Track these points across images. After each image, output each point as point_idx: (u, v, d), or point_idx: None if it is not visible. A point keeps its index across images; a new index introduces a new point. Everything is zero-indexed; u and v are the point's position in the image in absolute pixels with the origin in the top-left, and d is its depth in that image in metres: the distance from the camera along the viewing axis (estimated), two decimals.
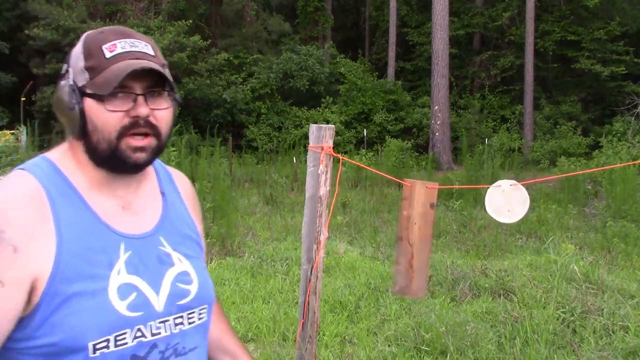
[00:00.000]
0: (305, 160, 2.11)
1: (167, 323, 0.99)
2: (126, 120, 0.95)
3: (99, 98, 0.94)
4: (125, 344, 0.94)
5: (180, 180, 1.19)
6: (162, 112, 0.99)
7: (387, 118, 18.37)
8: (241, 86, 18.50)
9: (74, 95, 0.95)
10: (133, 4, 19.67)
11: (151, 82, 0.97)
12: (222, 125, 17.02)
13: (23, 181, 0.94)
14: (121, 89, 0.94)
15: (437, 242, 6.24)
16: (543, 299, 4.01)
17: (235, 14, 21.18)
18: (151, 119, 0.97)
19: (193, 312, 1.04)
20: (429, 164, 12.37)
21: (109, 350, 0.92)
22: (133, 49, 0.97)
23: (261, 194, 9.50)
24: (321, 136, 2.00)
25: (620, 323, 3.57)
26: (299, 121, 18.13)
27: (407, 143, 15.88)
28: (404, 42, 22.29)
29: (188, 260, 1.07)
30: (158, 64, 0.97)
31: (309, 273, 2.09)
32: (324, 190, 2.01)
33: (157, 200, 1.09)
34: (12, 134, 9.59)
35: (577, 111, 18.83)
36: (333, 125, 2.09)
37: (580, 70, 18.94)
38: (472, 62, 21.33)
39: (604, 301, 3.95)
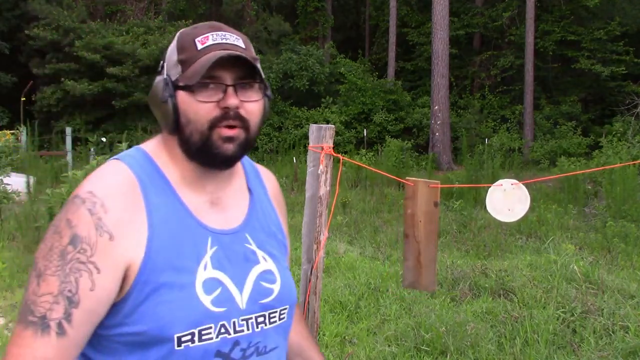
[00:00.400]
0: (305, 160, 2.11)
1: (249, 321, 0.99)
2: (216, 112, 0.96)
3: (190, 89, 0.95)
4: (210, 339, 0.94)
5: (268, 178, 1.19)
6: (252, 105, 0.99)
7: (387, 118, 18.36)
8: None
9: (167, 88, 0.97)
10: (133, 4, 19.67)
11: (241, 73, 0.97)
12: None
13: (119, 171, 0.96)
14: (211, 79, 0.95)
15: (438, 241, 6.24)
16: (543, 299, 4.01)
17: (235, 14, 21.19)
18: (241, 111, 0.97)
19: (275, 312, 1.04)
20: (429, 164, 12.37)
21: (193, 345, 0.93)
22: (224, 40, 0.98)
23: None
24: (321, 136, 2.00)
25: (620, 323, 3.57)
26: (299, 121, 18.13)
27: (407, 143, 15.87)
28: (404, 42, 22.29)
29: (272, 259, 1.07)
30: (248, 57, 0.97)
31: (309, 273, 2.09)
32: (324, 190, 2.01)
33: (244, 197, 1.09)
34: (12, 134, 9.59)
35: (577, 111, 18.83)
36: (333, 125, 2.09)
37: (580, 70, 18.93)
38: (472, 62, 21.33)
39: (604, 301, 3.95)
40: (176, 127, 0.98)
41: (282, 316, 1.05)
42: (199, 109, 0.95)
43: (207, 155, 0.97)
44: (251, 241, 1.05)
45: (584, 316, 3.71)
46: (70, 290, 0.87)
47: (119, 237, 0.90)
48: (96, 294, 0.88)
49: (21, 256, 5.44)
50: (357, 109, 18.65)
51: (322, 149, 1.98)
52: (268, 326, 1.02)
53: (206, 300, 0.94)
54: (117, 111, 17.30)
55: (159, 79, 1.00)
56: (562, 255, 5.09)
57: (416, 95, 20.82)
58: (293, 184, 10.54)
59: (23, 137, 11.36)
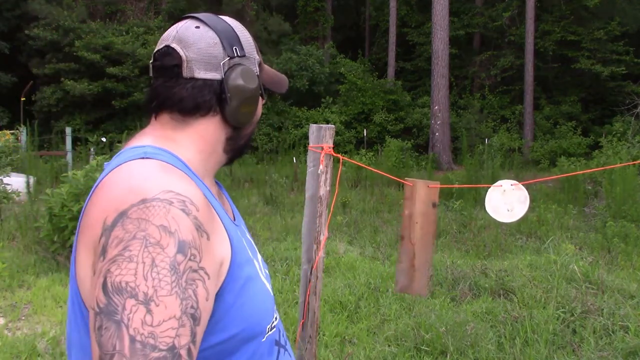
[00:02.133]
0: (305, 160, 2.11)
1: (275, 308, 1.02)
2: None
3: (265, 92, 1.03)
4: (274, 326, 0.96)
5: None
6: None
7: (387, 118, 18.36)
8: None
9: (260, 84, 1.01)
10: (133, 4, 19.68)
11: None
12: None
13: (169, 168, 0.85)
14: None
15: (437, 242, 6.24)
16: (543, 299, 4.01)
17: (235, 14, 21.17)
18: None
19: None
20: (429, 164, 12.37)
21: (268, 334, 0.93)
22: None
23: (261, 194, 9.49)
24: (321, 136, 2.00)
25: (620, 323, 3.57)
26: (299, 121, 18.13)
27: (407, 143, 15.87)
28: (404, 42, 22.28)
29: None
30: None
31: (309, 273, 2.09)
32: (324, 190, 2.01)
33: (220, 190, 1.11)
34: (12, 134, 9.58)
35: (577, 111, 18.83)
36: (333, 125, 2.09)
37: (580, 70, 18.93)
38: (472, 62, 21.32)
39: (604, 301, 3.95)
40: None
41: None
42: (260, 109, 1.03)
43: (245, 150, 1.04)
44: (246, 231, 1.06)
45: (584, 316, 3.71)
46: (192, 307, 0.74)
47: (212, 235, 0.82)
48: (210, 303, 0.79)
49: (21, 256, 5.44)
50: (357, 109, 18.65)
51: (322, 149, 1.98)
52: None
53: (269, 286, 0.96)
54: (117, 111, 17.30)
55: (248, 68, 0.98)
56: (562, 255, 5.10)
57: (416, 95, 20.82)
58: (293, 184, 10.54)
59: (23, 137, 11.36)
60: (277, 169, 11.84)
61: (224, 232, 0.86)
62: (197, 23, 0.96)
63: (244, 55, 0.98)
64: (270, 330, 0.94)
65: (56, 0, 18.44)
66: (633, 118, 14.54)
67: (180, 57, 0.93)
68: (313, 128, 2.03)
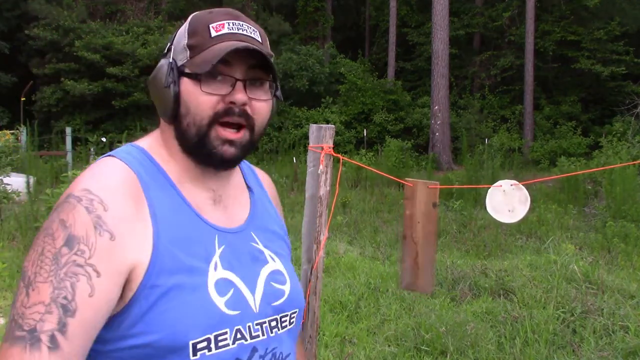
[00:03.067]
0: (305, 160, 2.11)
1: (264, 325, 0.92)
2: (220, 106, 0.88)
3: (196, 78, 0.88)
4: (227, 345, 0.86)
5: (264, 178, 1.14)
6: (260, 104, 0.92)
7: (387, 118, 18.37)
8: None
9: (171, 73, 0.90)
10: (133, 4, 19.68)
11: (253, 69, 0.91)
12: None
13: (115, 167, 0.87)
14: (221, 71, 0.88)
15: (437, 242, 6.24)
16: (543, 299, 4.01)
17: None
18: (247, 108, 0.90)
19: (286, 315, 0.97)
20: (429, 164, 12.37)
21: (210, 353, 0.84)
22: (240, 31, 0.91)
23: None
24: (321, 136, 2.00)
25: (620, 323, 3.57)
26: (299, 121, 18.13)
27: (407, 143, 15.88)
28: (404, 42, 22.29)
29: (280, 259, 1.01)
30: (264, 52, 0.91)
31: (309, 273, 2.09)
32: (324, 190, 2.01)
33: (244, 194, 1.03)
34: (12, 134, 9.58)
35: (577, 111, 18.83)
36: (333, 125, 2.09)
37: (580, 70, 18.94)
38: (472, 62, 21.33)
39: (604, 301, 3.95)
40: (175, 116, 0.90)
41: (292, 320, 0.98)
42: (202, 100, 0.88)
43: (202, 153, 0.91)
44: (257, 240, 0.99)
45: (584, 316, 3.71)
46: (65, 297, 0.75)
47: (121, 237, 0.80)
48: (95, 300, 0.77)
49: (21, 256, 5.44)
50: (357, 109, 18.66)
51: (322, 149, 1.98)
52: (281, 331, 0.95)
53: (220, 302, 0.86)
54: (117, 111, 17.31)
55: (163, 61, 0.92)
56: (562, 255, 5.10)
57: (416, 95, 20.83)
58: (293, 184, 10.54)
59: (23, 137, 11.35)
60: (277, 169, 11.84)
61: (147, 237, 0.83)
62: None
63: (169, 49, 0.94)
64: (214, 349, 0.85)
65: (56, 0, 18.44)
66: (633, 118, 14.53)
67: None
68: (313, 128, 2.03)
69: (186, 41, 0.91)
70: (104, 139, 10.46)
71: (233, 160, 0.92)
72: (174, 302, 0.83)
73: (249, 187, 1.06)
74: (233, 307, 0.88)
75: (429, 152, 16.15)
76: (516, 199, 1.93)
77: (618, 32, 18.85)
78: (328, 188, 2.04)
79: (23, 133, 11.45)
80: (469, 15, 21.55)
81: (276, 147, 15.06)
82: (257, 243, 0.98)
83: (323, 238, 2.07)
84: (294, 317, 0.99)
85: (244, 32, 0.92)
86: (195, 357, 0.83)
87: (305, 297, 2.10)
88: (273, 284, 0.96)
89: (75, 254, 0.77)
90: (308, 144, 2.07)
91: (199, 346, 0.83)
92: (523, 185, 1.96)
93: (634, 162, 4.17)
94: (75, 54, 16.90)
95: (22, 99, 15.63)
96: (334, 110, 18.63)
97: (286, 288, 0.98)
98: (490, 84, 20.11)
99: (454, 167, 15.29)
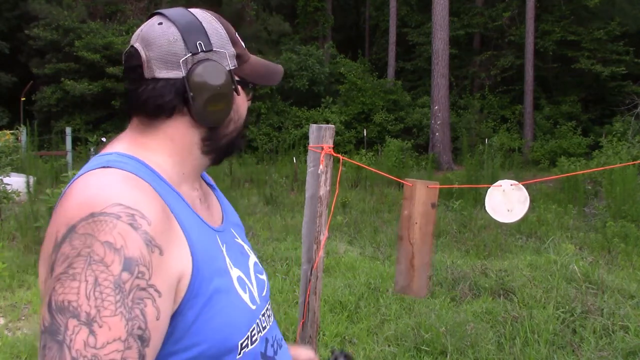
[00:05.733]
0: (305, 160, 2.11)
1: (265, 315, 0.98)
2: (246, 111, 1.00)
3: (247, 86, 0.97)
4: (256, 340, 0.90)
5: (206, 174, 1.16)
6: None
7: (387, 118, 18.37)
8: None
9: (233, 80, 0.92)
10: (133, 4, 19.69)
11: None
12: None
13: (126, 177, 0.80)
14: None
15: (437, 242, 6.24)
16: (543, 299, 4.01)
17: (235, 14, 21.17)
18: None
19: (270, 304, 1.03)
20: (429, 164, 12.37)
21: (248, 349, 0.87)
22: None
23: (261, 194, 9.49)
24: (321, 136, 2.00)
25: (620, 323, 3.57)
26: (299, 121, 18.13)
27: (407, 143, 15.87)
28: (404, 42, 22.29)
29: (252, 251, 1.06)
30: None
31: (309, 273, 2.09)
32: (324, 190, 2.01)
33: (210, 192, 1.06)
34: (12, 134, 9.58)
35: (577, 111, 18.83)
36: (333, 125, 2.09)
37: (580, 70, 18.93)
38: (472, 62, 21.32)
39: (604, 301, 3.95)
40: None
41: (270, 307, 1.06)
42: (246, 106, 0.98)
43: (232, 150, 0.98)
44: (236, 235, 1.02)
45: (584, 316, 3.71)
46: (140, 327, 0.70)
47: (168, 250, 0.76)
48: (161, 322, 0.74)
49: (21, 256, 5.43)
50: (357, 109, 18.66)
51: (322, 149, 1.98)
52: (271, 319, 1.02)
53: (246, 298, 0.90)
54: (117, 111, 17.30)
55: (221, 67, 0.91)
56: (562, 255, 5.10)
57: (416, 95, 20.83)
58: (293, 184, 10.54)
59: (23, 137, 11.36)
60: (277, 169, 11.84)
61: (184, 245, 0.81)
62: (160, 19, 0.90)
63: (211, 50, 0.90)
64: (250, 345, 0.88)
65: (56, 0, 18.44)
66: (633, 118, 14.53)
67: (140, 57, 0.87)
68: (313, 128, 2.03)
69: (233, 50, 0.94)
70: (104, 139, 10.46)
71: (241, 150, 1.01)
72: (218, 307, 0.82)
73: (211, 185, 1.08)
74: (252, 302, 0.93)
75: (429, 152, 16.15)
76: (515, 199, 1.93)
77: (618, 32, 18.85)
78: (328, 188, 2.04)
79: (23, 133, 11.45)
80: (469, 15, 21.54)
81: (276, 147, 15.06)
82: (237, 238, 1.02)
83: (323, 238, 2.07)
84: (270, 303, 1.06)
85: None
86: (239, 356, 0.86)
87: (305, 297, 2.10)
88: (258, 275, 1.01)
89: (137, 277, 0.72)
90: (308, 144, 2.07)
91: (243, 344, 0.86)
92: (523, 185, 1.96)
93: (634, 162, 4.18)
94: (75, 54, 16.90)
95: (22, 99, 15.64)
96: (334, 110, 18.63)
97: (265, 278, 1.04)
98: (490, 84, 20.11)
99: (454, 167, 15.29)
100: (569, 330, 3.57)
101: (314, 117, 18.17)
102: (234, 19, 21.10)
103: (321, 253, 2.08)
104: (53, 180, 9.06)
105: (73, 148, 11.97)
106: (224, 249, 0.92)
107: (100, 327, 0.68)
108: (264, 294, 1.00)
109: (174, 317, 0.78)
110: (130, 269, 0.71)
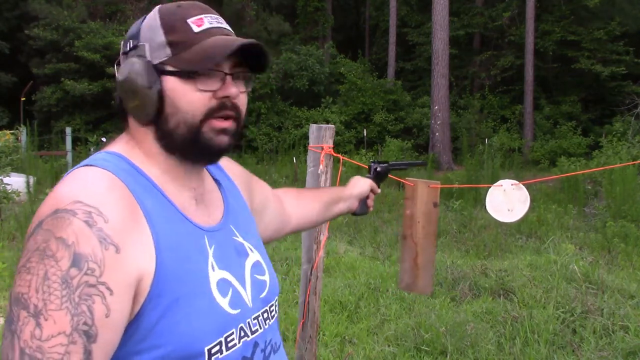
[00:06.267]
0: (305, 160, 2.10)
1: (259, 319, 0.94)
2: (213, 102, 0.88)
3: (188, 76, 0.86)
4: (235, 345, 0.87)
5: (223, 163, 1.11)
6: (243, 95, 0.93)
7: (387, 118, 18.36)
8: None
9: (151, 73, 0.86)
10: (133, 4, 19.69)
11: (236, 62, 0.91)
12: None
13: (99, 175, 0.82)
14: (215, 67, 0.87)
15: (437, 242, 6.24)
16: (543, 299, 4.01)
17: (235, 14, 21.18)
18: (237, 101, 0.91)
19: (272, 305, 0.99)
20: (429, 164, 12.37)
21: (222, 355, 0.85)
22: (220, 25, 0.91)
23: None
24: (321, 136, 2.00)
25: (620, 323, 3.57)
26: (299, 121, 18.13)
27: (407, 143, 15.87)
28: (404, 42, 22.29)
29: (256, 250, 1.02)
30: (264, 47, 0.92)
31: (309, 273, 2.09)
32: None
33: (216, 188, 1.03)
34: (12, 134, 9.57)
35: (577, 111, 18.83)
36: (333, 125, 2.09)
37: (580, 70, 18.93)
38: (472, 62, 21.32)
39: (604, 301, 3.95)
40: (157, 117, 0.87)
41: (275, 309, 1.01)
42: (195, 98, 0.86)
43: (197, 149, 0.89)
44: (237, 233, 0.99)
45: (584, 316, 3.71)
46: (85, 323, 0.71)
47: (125, 248, 0.76)
48: (112, 320, 0.73)
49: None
50: (357, 109, 18.65)
51: (322, 149, 1.98)
52: (271, 321, 0.98)
53: (224, 303, 0.87)
54: (117, 111, 17.31)
55: (134, 60, 0.88)
56: (562, 255, 5.10)
57: (416, 95, 20.82)
58: (293, 184, 10.54)
59: (23, 137, 11.36)
60: (277, 169, 11.84)
61: (149, 244, 0.80)
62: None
63: (136, 46, 0.89)
64: (225, 351, 0.85)
65: (56, 0, 18.44)
66: (633, 118, 14.53)
67: None
68: (313, 128, 2.03)
69: (164, 38, 0.87)
70: (104, 139, 10.46)
71: (227, 149, 0.92)
72: (185, 310, 0.81)
73: (216, 181, 1.05)
74: (235, 306, 0.89)
75: (429, 152, 16.14)
76: (516, 199, 1.93)
77: (618, 32, 18.85)
78: None
79: (23, 133, 11.45)
80: (469, 15, 21.54)
81: (276, 147, 15.06)
82: (237, 236, 0.99)
83: (323, 238, 2.07)
84: (275, 305, 1.02)
85: (224, 26, 0.91)
86: None
87: (305, 297, 2.10)
88: (256, 276, 0.98)
89: (86, 273, 0.72)
90: (308, 144, 2.07)
91: (213, 351, 0.83)
92: (523, 185, 1.96)
93: (634, 162, 4.18)
94: (75, 54, 16.91)
95: (22, 99, 15.63)
96: (334, 110, 18.63)
97: (266, 278, 1.00)
98: (490, 84, 20.11)
99: (454, 167, 15.29)
100: (569, 330, 3.57)
101: (314, 117, 18.17)
102: (234, 19, 21.10)
103: (321, 253, 2.08)
104: (53, 180, 9.06)
105: (73, 148, 11.97)
106: (210, 250, 0.90)
107: (46, 320, 0.69)
108: (262, 295, 0.97)
109: (137, 316, 0.77)
110: (79, 265, 0.72)
